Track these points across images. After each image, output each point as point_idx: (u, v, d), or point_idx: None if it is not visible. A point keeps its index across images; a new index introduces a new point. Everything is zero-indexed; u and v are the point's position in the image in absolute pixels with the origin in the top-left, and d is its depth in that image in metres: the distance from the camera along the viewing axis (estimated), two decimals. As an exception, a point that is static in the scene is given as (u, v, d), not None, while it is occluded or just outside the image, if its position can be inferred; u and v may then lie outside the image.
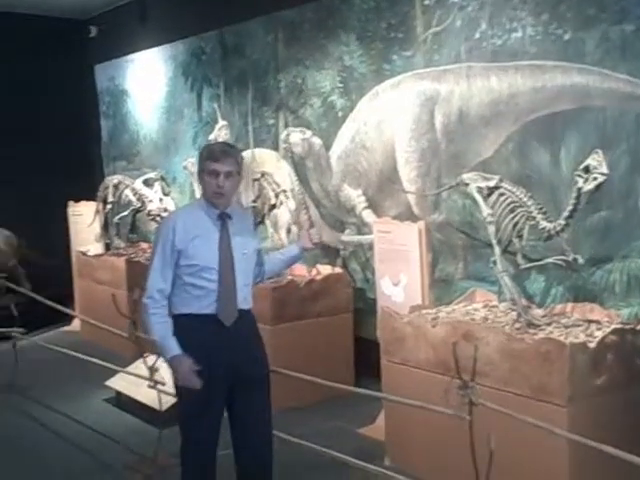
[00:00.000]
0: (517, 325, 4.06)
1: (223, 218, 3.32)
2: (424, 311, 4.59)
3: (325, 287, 5.84)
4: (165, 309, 3.29)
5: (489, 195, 4.31)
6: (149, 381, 4.85)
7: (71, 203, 8.85)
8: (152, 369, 4.84)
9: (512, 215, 4.15)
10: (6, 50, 9.08)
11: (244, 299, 3.38)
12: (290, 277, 6.14)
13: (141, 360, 5.14)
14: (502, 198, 4.23)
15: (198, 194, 8.09)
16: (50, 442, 5.33)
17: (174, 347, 3.21)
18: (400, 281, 4.99)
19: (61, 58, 9.67)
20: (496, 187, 4.27)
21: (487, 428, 2.96)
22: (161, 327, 3.25)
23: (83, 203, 8.73)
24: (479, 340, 3.84)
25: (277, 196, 5.77)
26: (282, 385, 4.62)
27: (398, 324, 4.42)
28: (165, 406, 5.06)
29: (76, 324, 8.38)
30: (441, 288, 5.38)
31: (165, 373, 4.98)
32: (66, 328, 8.60)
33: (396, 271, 5.00)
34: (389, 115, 5.88)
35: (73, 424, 5.61)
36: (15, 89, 9.32)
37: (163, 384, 4.85)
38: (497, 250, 4.22)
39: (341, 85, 6.26)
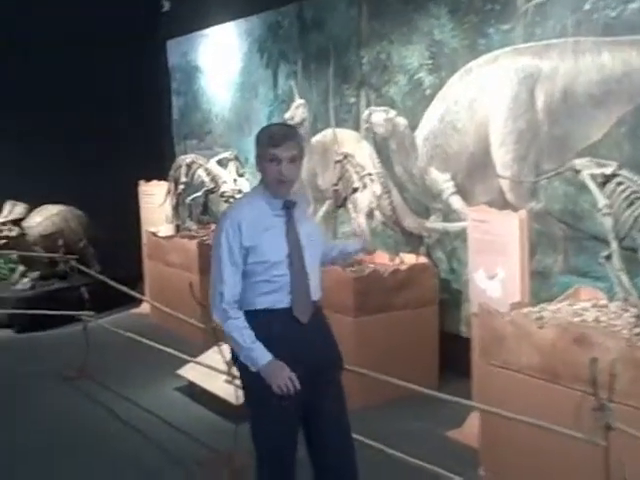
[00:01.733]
0: (637, 330, 3.63)
1: (288, 206, 3.06)
2: (526, 309, 4.18)
3: (410, 277, 5.47)
4: (241, 313, 3.04)
5: (604, 184, 3.88)
6: (226, 375, 4.59)
7: (142, 182, 8.65)
8: (229, 363, 4.57)
9: (632, 207, 3.71)
10: (76, 26, 8.89)
11: (316, 289, 3.15)
12: (372, 265, 5.80)
13: (215, 349, 4.89)
14: (620, 187, 3.79)
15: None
16: (119, 432, 5.14)
17: (265, 352, 2.97)
18: (496, 274, 4.60)
19: (132, 33, 9.46)
20: (613, 175, 3.84)
21: (617, 453, 2.58)
22: (247, 332, 2.99)
23: (154, 183, 8.53)
24: (596, 346, 3.43)
25: (362, 179, 5.40)
26: (360, 381, 4.33)
27: (498, 323, 4.02)
28: (242, 400, 4.80)
29: (146, 306, 8.19)
30: (538, 282, 4.94)
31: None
32: (135, 310, 8.43)
33: (492, 263, 4.60)
34: (483, 93, 5.45)
35: (143, 413, 5.41)
36: (85, 66, 9.14)
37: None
38: (614, 245, 3.79)
39: (430, 61, 5.85)
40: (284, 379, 2.93)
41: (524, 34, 5.09)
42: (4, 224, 7.97)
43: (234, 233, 2.98)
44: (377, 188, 5.33)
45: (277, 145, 2.93)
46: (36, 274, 8.28)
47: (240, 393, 4.64)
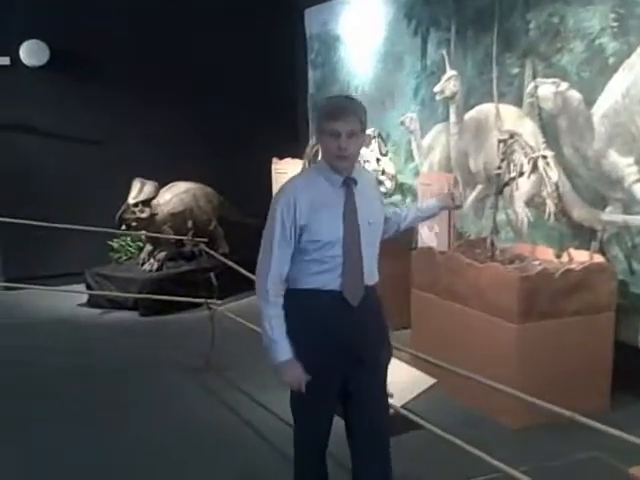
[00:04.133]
0: None
1: (348, 184, 2.94)
2: None
3: (584, 279, 4.64)
4: (282, 297, 2.95)
5: None
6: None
7: (275, 160, 8.13)
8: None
9: None
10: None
11: (370, 273, 3.01)
12: (537, 262, 5.03)
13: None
14: None
15: (416, 154, 7.10)
16: (243, 437, 4.63)
17: (287, 350, 2.92)
18: None
19: (268, 1, 8.95)
20: None
21: None
22: (278, 323, 2.92)
23: (287, 160, 7.98)
24: None
25: (533, 162, 4.61)
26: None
27: None
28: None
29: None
30: None
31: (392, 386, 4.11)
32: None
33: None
34: (684, 62, 4.55)
35: (270, 418, 4.86)
36: (220, 37, 8.73)
37: (390, 395, 3.95)
38: None
39: (616, 24, 4.94)
40: (294, 381, 2.91)
41: None
42: (135, 205, 7.62)
43: (288, 210, 2.88)
44: (553, 174, 4.51)
45: (336, 118, 2.82)
46: (163, 254, 7.93)
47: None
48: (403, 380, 4.47)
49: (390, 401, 4.16)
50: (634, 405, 4.87)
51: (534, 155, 4.63)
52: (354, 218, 2.93)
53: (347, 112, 2.84)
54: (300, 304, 2.94)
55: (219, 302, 5.97)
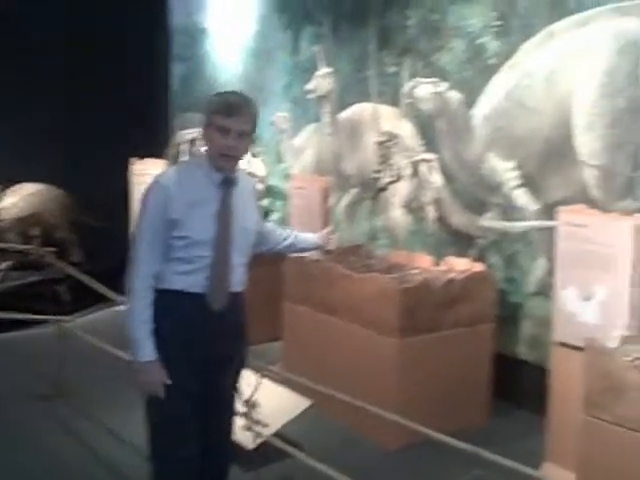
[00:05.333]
0: None
1: (227, 184, 2.80)
2: (646, 346, 3.14)
3: (466, 289, 4.40)
4: (151, 295, 2.77)
5: None
6: (245, 418, 3.55)
7: (134, 160, 7.50)
8: (250, 403, 3.54)
9: None
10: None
11: (238, 281, 2.89)
12: (416, 271, 4.75)
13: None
14: None
15: (287, 155, 6.72)
16: (95, 473, 4.04)
17: (150, 351, 2.74)
18: (594, 295, 3.56)
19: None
20: None
21: None
22: (145, 321, 2.74)
23: (149, 161, 7.38)
24: None
25: (414, 166, 4.32)
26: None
27: (615, 366, 2.98)
28: (255, 443, 3.78)
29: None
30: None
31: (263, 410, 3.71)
32: (122, 307, 7.28)
33: (588, 281, 3.57)
34: (567, 64, 4.38)
35: (126, 451, 4.28)
36: (74, 29, 8.00)
37: (264, 425, 3.55)
38: None
39: (498, 23, 4.75)
40: (152, 384, 2.73)
41: (630, -11, 4.03)
42: None
43: (160, 202, 2.71)
44: (435, 178, 4.23)
45: (229, 115, 2.70)
46: (7, 264, 7.15)
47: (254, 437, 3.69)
48: (277, 403, 4.06)
49: (264, 430, 3.76)
50: (513, 415, 4.75)
51: (415, 158, 4.34)
52: (228, 220, 2.79)
53: (242, 110, 2.73)
54: (164, 305, 2.78)
55: (67, 319, 5.32)
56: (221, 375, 2.91)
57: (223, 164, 2.77)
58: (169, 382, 2.73)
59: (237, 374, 3.05)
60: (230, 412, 3.06)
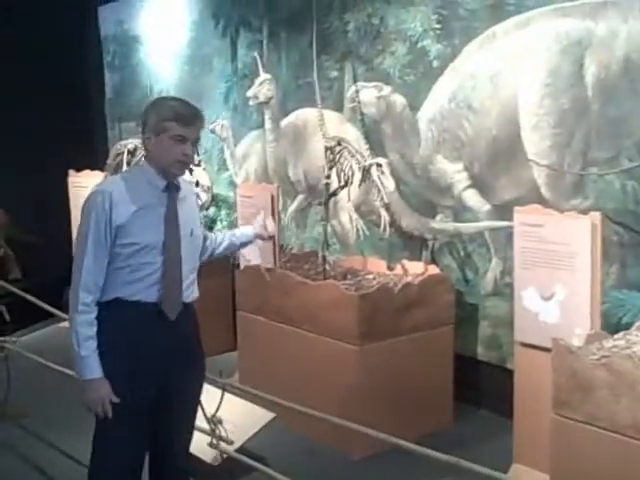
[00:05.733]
0: None
1: (171, 189, 2.78)
2: (610, 342, 3.20)
3: (423, 292, 4.41)
4: (96, 308, 2.69)
5: None
6: (210, 436, 3.47)
7: (72, 172, 7.28)
8: (214, 420, 3.46)
9: None
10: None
11: (190, 288, 2.85)
12: (371, 276, 4.75)
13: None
14: None
15: (230, 163, 6.63)
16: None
17: (94, 367, 2.66)
18: (554, 294, 3.61)
19: (57, -1, 8.08)
20: None
21: None
22: (86, 337, 2.65)
23: (86, 172, 7.17)
24: None
25: (366, 170, 4.30)
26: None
27: (582, 365, 3.02)
28: (218, 460, 3.72)
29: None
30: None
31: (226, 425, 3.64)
32: (66, 324, 7.08)
33: (549, 280, 3.63)
34: (510, 65, 4.43)
35: (75, 469, 4.12)
36: (3, 38, 7.71)
37: (229, 442, 3.48)
38: None
39: (439, 26, 4.76)
40: (98, 401, 2.65)
41: (570, -10, 4.09)
42: None
43: (103, 209, 2.64)
44: (389, 182, 4.22)
45: (188, 124, 2.69)
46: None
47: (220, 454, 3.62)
48: (239, 417, 3.99)
49: (228, 447, 3.70)
50: (476, 417, 4.80)
51: (367, 163, 4.32)
52: (175, 225, 2.76)
53: (198, 119, 2.76)
54: (113, 316, 2.70)
55: (13, 340, 5.13)
56: (175, 387, 2.84)
57: (178, 172, 2.77)
58: (116, 400, 2.66)
59: (196, 387, 3.01)
60: (186, 426, 3.02)
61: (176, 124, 2.67)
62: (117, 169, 6.54)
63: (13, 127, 7.72)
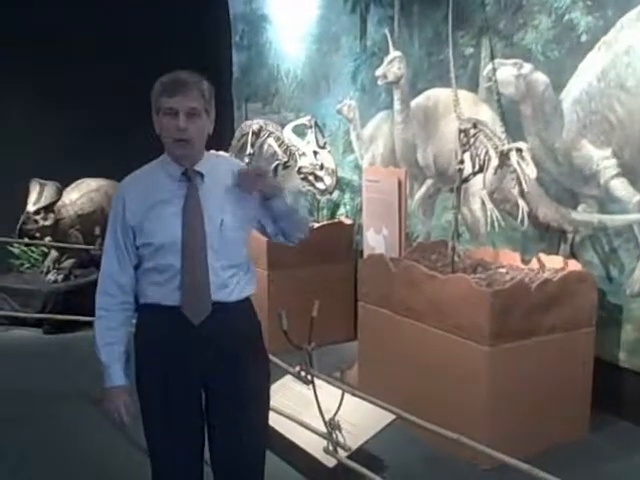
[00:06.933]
0: None
1: (190, 177, 2.48)
2: None
3: (562, 290, 4.01)
4: (122, 312, 2.54)
5: None
6: (325, 439, 3.25)
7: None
8: (332, 424, 3.24)
9: None
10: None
11: (223, 287, 2.49)
12: (503, 270, 4.39)
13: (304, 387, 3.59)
14: None
15: (356, 146, 6.39)
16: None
17: (119, 376, 2.53)
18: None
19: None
20: None
21: None
22: (110, 343, 2.52)
23: (211, 153, 7.10)
24: None
25: (504, 156, 3.94)
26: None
27: None
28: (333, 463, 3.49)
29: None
30: None
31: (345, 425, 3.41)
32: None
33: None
34: (673, 39, 3.95)
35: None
36: (130, 18, 7.76)
37: (347, 449, 3.24)
38: None
39: (590, -4, 4.33)
40: (115, 408, 2.54)
41: None
42: (37, 212, 6.61)
43: (117, 210, 2.52)
44: (530, 170, 3.84)
45: (173, 94, 2.42)
46: (70, 262, 6.98)
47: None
48: (357, 417, 3.75)
49: (345, 454, 3.47)
50: (614, 427, 4.39)
51: (505, 147, 3.96)
52: (197, 218, 2.46)
53: (187, 86, 2.43)
54: (141, 321, 2.58)
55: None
56: (218, 405, 2.57)
57: (179, 152, 2.47)
58: (133, 410, 2.56)
59: (253, 391, 2.63)
60: (245, 450, 2.64)
61: (163, 97, 2.45)
62: (242, 150, 6.44)
63: (144, 105, 7.74)
